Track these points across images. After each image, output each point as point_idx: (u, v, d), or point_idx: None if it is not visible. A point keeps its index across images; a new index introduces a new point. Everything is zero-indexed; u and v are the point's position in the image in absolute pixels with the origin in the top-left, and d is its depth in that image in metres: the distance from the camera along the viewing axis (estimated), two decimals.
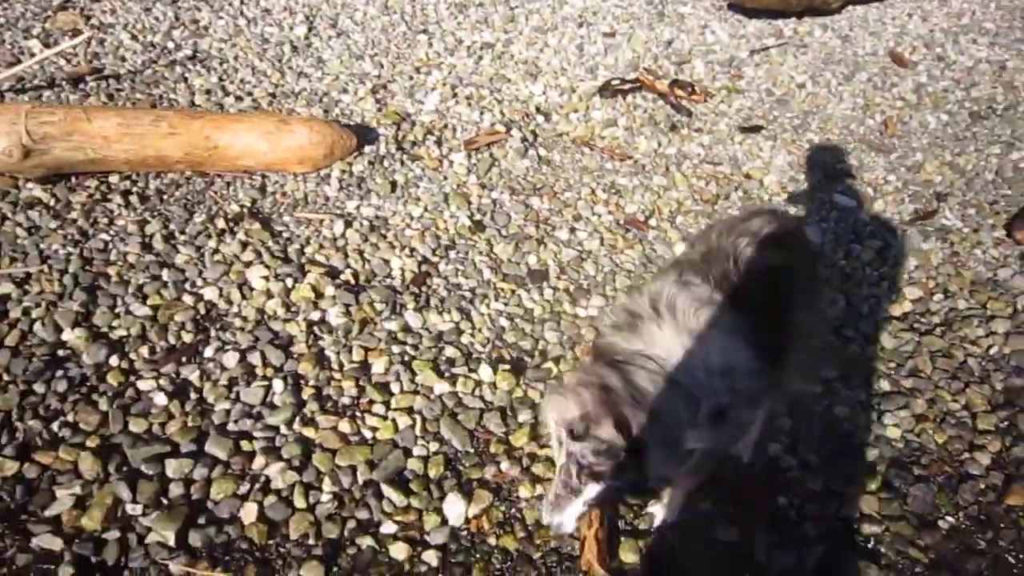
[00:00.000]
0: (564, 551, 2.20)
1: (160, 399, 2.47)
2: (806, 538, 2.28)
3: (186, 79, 4.18)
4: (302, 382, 2.62)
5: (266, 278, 2.96)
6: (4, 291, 2.75)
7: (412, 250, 3.25)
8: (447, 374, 2.71)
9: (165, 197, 3.36)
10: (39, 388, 2.44)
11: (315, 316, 2.86)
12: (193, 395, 2.53)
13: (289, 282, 2.96)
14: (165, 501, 2.21)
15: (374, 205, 3.49)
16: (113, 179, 3.37)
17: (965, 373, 2.88)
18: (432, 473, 2.39)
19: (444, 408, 2.59)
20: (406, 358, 2.75)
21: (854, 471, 2.50)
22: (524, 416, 2.60)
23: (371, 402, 2.58)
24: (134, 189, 3.35)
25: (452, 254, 3.28)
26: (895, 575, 2.20)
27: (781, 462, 2.51)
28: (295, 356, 2.70)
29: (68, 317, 2.69)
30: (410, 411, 2.57)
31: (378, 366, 2.70)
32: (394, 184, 3.62)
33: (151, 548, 2.08)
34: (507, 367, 2.76)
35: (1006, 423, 2.67)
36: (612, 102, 4.55)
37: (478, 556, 2.19)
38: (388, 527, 2.22)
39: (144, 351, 2.64)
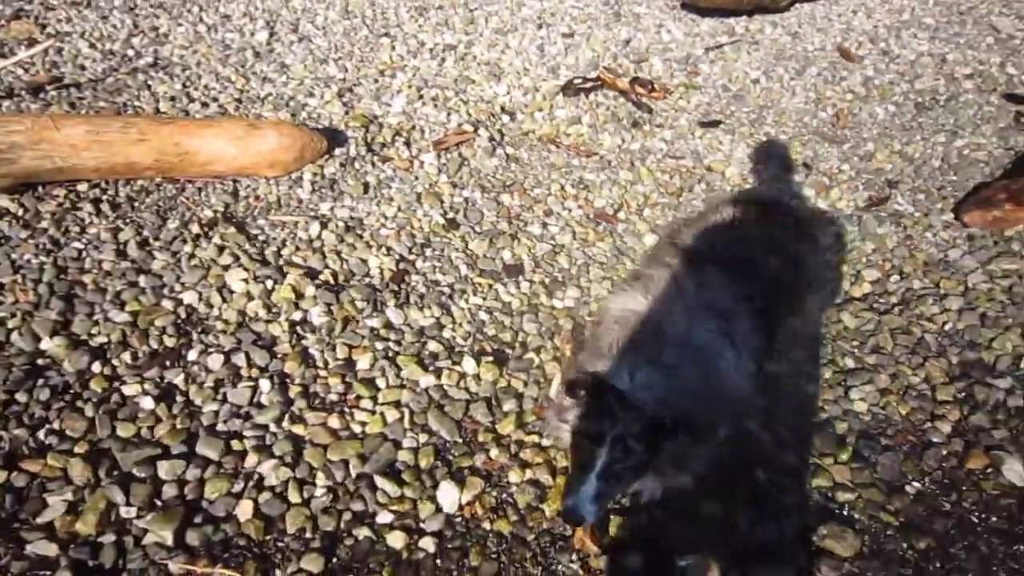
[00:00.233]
0: (557, 531, 2.28)
1: (147, 403, 2.48)
2: (785, 509, 2.39)
3: (149, 86, 4.14)
4: (288, 381, 2.65)
5: (245, 280, 2.97)
6: None
7: (389, 249, 3.29)
8: (431, 368, 2.76)
9: (136, 204, 3.34)
10: (21, 397, 2.42)
11: (297, 316, 2.89)
12: (180, 398, 2.53)
13: (269, 284, 2.97)
14: (159, 503, 2.22)
15: (348, 206, 3.52)
16: (82, 187, 3.34)
17: (923, 348, 3.03)
18: (423, 463, 2.44)
19: (431, 400, 2.65)
20: (390, 354, 2.79)
21: (826, 444, 2.62)
22: (509, 405, 2.67)
23: (358, 397, 2.62)
24: (104, 197, 3.33)
25: (428, 252, 3.33)
26: (869, 538, 2.32)
27: (758, 439, 2.62)
28: (280, 356, 2.73)
29: (46, 326, 2.66)
30: (397, 405, 2.61)
31: (363, 362, 2.74)
32: (366, 185, 3.66)
33: (149, 549, 2.10)
34: (490, 359, 2.82)
35: (963, 393, 2.83)
36: (575, 100, 4.64)
37: (474, 540, 2.25)
38: (384, 517, 2.27)
39: (127, 357, 2.63)
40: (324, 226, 3.34)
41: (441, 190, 3.72)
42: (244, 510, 2.22)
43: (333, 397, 2.62)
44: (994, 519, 2.38)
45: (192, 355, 2.68)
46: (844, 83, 5.11)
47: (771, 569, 2.23)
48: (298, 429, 2.48)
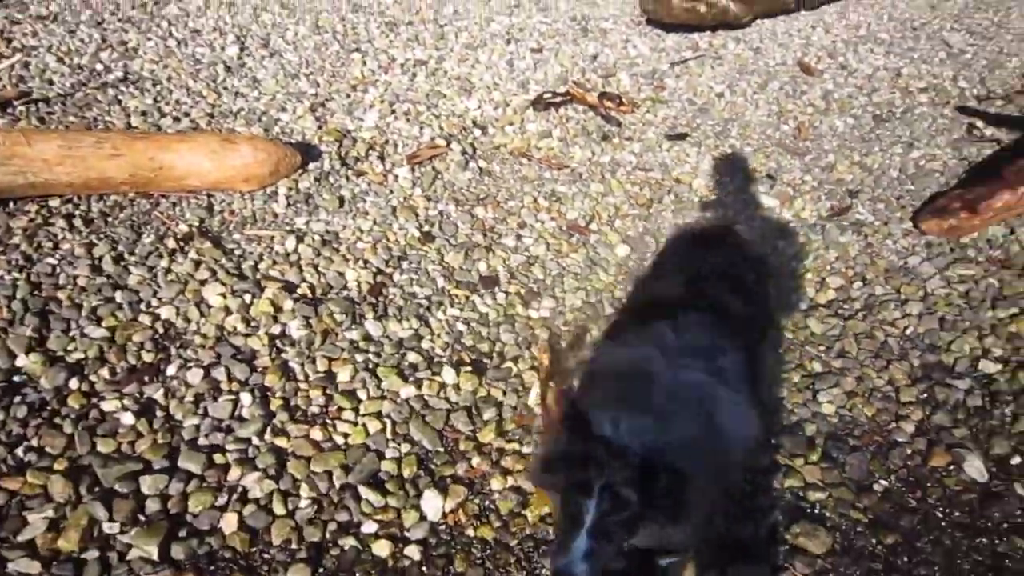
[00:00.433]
0: (540, 536, 2.32)
1: (127, 419, 2.47)
2: (760, 508, 2.46)
3: (120, 101, 4.13)
4: (269, 394, 2.66)
5: (223, 295, 2.98)
6: None
7: (366, 262, 3.32)
8: (411, 378, 2.80)
9: (110, 219, 3.33)
10: None
11: (276, 330, 2.90)
12: (160, 413, 2.53)
13: (247, 298, 2.98)
14: (143, 517, 2.22)
15: (324, 220, 3.54)
16: (54, 203, 3.32)
17: (887, 352, 3.14)
18: (406, 473, 2.47)
19: (412, 411, 2.68)
20: (370, 365, 2.82)
21: (796, 446, 2.71)
22: (489, 414, 2.71)
23: (340, 409, 2.64)
24: (77, 212, 3.31)
25: (405, 264, 3.37)
26: (840, 535, 2.40)
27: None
28: (260, 369, 2.74)
29: (21, 343, 2.64)
30: (379, 416, 2.64)
31: (343, 374, 2.77)
32: (342, 199, 3.69)
33: (134, 564, 2.09)
34: (468, 368, 2.87)
35: (925, 394, 2.94)
36: (545, 114, 4.73)
37: (458, 548, 2.28)
38: (369, 526, 2.29)
39: (105, 372, 2.62)
40: (300, 240, 3.36)
41: (416, 203, 3.76)
42: (229, 523, 2.23)
43: (315, 409, 2.64)
44: (957, 514, 2.48)
45: (171, 370, 2.68)
46: (805, 96, 5.27)
47: (748, 567, 2.30)
48: (281, 441, 2.50)
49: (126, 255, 3.12)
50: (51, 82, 4.22)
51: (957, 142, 4.62)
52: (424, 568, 2.21)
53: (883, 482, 2.60)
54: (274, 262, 3.23)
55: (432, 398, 2.74)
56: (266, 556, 2.18)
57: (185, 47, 4.83)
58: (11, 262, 2.97)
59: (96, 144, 3.26)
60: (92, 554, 2.10)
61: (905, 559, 2.34)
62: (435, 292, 3.25)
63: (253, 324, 2.92)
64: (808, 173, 4.44)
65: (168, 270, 3.07)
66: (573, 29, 5.93)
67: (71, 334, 2.75)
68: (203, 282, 3.04)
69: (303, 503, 2.33)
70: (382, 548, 2.23)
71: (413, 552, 2.24)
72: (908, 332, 3.24)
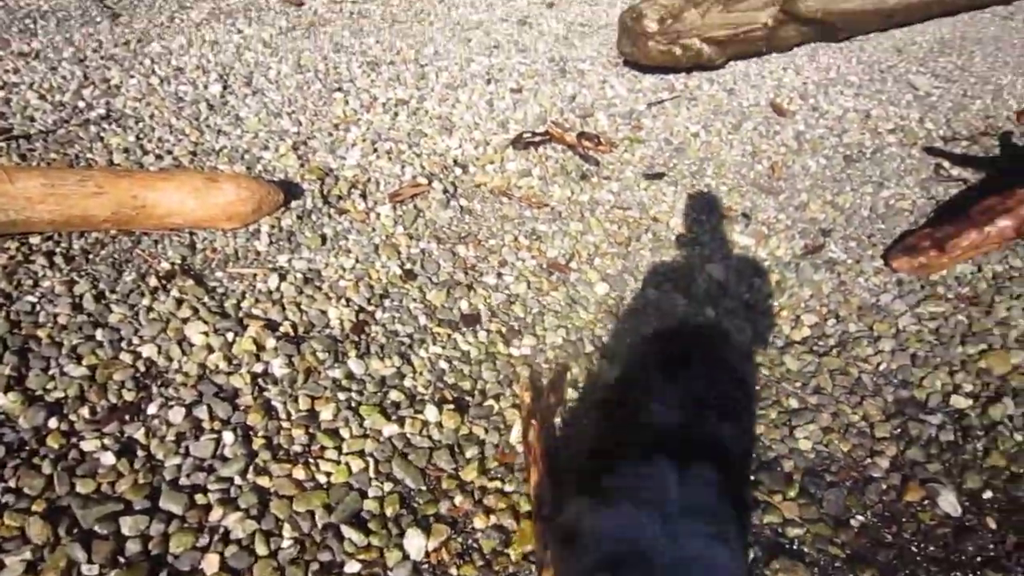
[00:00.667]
0: (522, 575, 2.33)
1: (107, 458, 2.46)
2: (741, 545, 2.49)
3: (102, 138, 4.15)
4: (251, 433, 2.66)
5: (205, 333, 2.98)
6: None
7: (348, 300, 3.35)
8: (394, 416, 2.81)
9: (91, 256, 3.32)
10: None
11: (259, 368, 2.91)
12: (141, 452, 2.52)
13: (230, 336, 2.99)
14: (123, 559, 2.20)
15: (306, 258, 3.56)
16: (35, 240, 3.31)
17: (861, 388, 3.21)
18: (389, 511, 2.47)
19: (394, 449, 2.69)
20: (353, 404, 2.83)
21: (775, 482, 2.75)
22: (471, 452, 2.72)
23: (323, 448, 2.64)
24: (58, 249, 3.31)
25: (387, 302, 3.40)
26: (819, 570, 2.43)
27: None
28: (242, 408, 2.74)
29: None
30: (362, 454, 2.65)
31: (326, 413, 2.77)
32: (324, 237, 3.71)
33: None
34: (451, 406, 2.88)
35: (899, 430, 3.00)
36: (525, 154, 4.81)
37: None
38: (352, 566, 2.28)
39: (85, 412, 2.61)
40: (283, 278, 3.38)
41: (398, 241, 3.80)
42: (210, 564, 2.22)
43: (297, 448, 2.64)
44: (932, 548, 2.52)
45: (152, 409, 2.67)
46: (778, 137, 5.41)
47: None
48: (263, 481, 2.49)
49: (107, 293, 3.12)
50: (32, 119, 4.23)
51: (925, 182, 4.77)
52: None
53: (860, 517, 2.65)
54: (256, 300, 3.24)
55: (415, 436, 2.75)
56: None
57: (168, 85, 4.86)
58: None
59: (79, 182, 3.27)
60: None
61: None
62: (417, 330, 3.27)
63: (235, 362, 2.92)
64: (782, 212, 4.54)
65: (150, 308, 3.07)
66: (552, 70, 6.05)
67: (51, 372, 2.73)
68: (185, 320, 3.04)
69: (285, 543, 2.32)
70: None
71: None
72: (881, 368, 3.31)
